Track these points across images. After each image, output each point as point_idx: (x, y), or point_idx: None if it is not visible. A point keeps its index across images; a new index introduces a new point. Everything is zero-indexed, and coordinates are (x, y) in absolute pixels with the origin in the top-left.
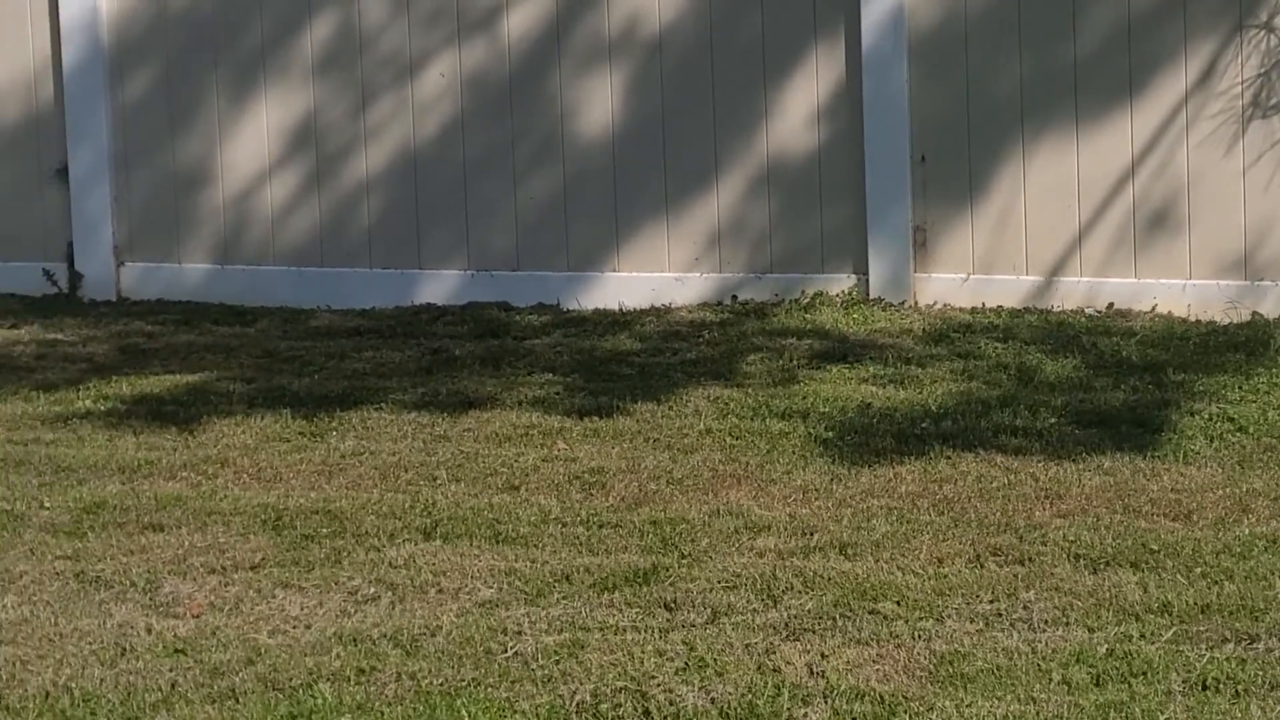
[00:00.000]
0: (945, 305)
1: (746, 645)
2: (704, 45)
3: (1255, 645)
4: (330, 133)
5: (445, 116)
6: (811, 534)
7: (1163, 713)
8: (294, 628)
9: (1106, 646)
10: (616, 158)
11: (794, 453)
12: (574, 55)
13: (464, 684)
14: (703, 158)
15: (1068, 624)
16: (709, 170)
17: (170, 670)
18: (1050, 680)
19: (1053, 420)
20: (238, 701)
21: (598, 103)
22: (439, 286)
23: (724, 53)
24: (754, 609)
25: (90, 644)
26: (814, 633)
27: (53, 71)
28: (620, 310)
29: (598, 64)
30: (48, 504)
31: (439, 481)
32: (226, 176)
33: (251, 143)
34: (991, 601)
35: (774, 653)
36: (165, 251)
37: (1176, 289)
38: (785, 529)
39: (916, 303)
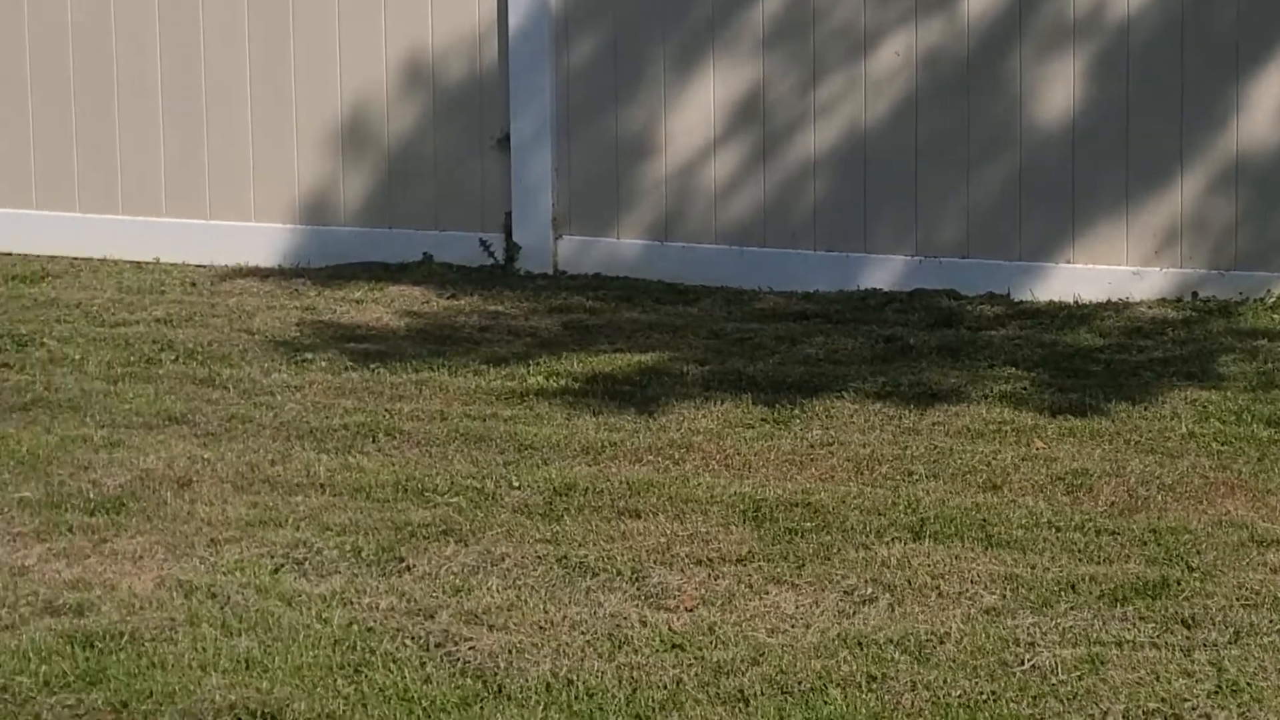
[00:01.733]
0: None
1: None
2: (1173, 32)
3: None
4: (777, 108)
5: (897, 96)
6: None
7: None
8: (792, 627)
9: None
10: (1075, 145)
11: None
12: (1035, 37)
13: (983, 698)
14: (1165, 149)
15: None
16: (1172, 162)
17: (672, 667)
18: None
19: None
20: (748, 704)
21: (1058, 87)
22: (883, 272)
23: (1194, 41)
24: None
25: (584, 634)
26: None
27: (497, 34)
28: (1075, 303)
29: (1060, 47)
30: (516, 483)
31: (916, 477)
32: (669, 149)
33: (696, 115)
34: None
35: None
36: (603, 225)
37: None
38: None
39: None
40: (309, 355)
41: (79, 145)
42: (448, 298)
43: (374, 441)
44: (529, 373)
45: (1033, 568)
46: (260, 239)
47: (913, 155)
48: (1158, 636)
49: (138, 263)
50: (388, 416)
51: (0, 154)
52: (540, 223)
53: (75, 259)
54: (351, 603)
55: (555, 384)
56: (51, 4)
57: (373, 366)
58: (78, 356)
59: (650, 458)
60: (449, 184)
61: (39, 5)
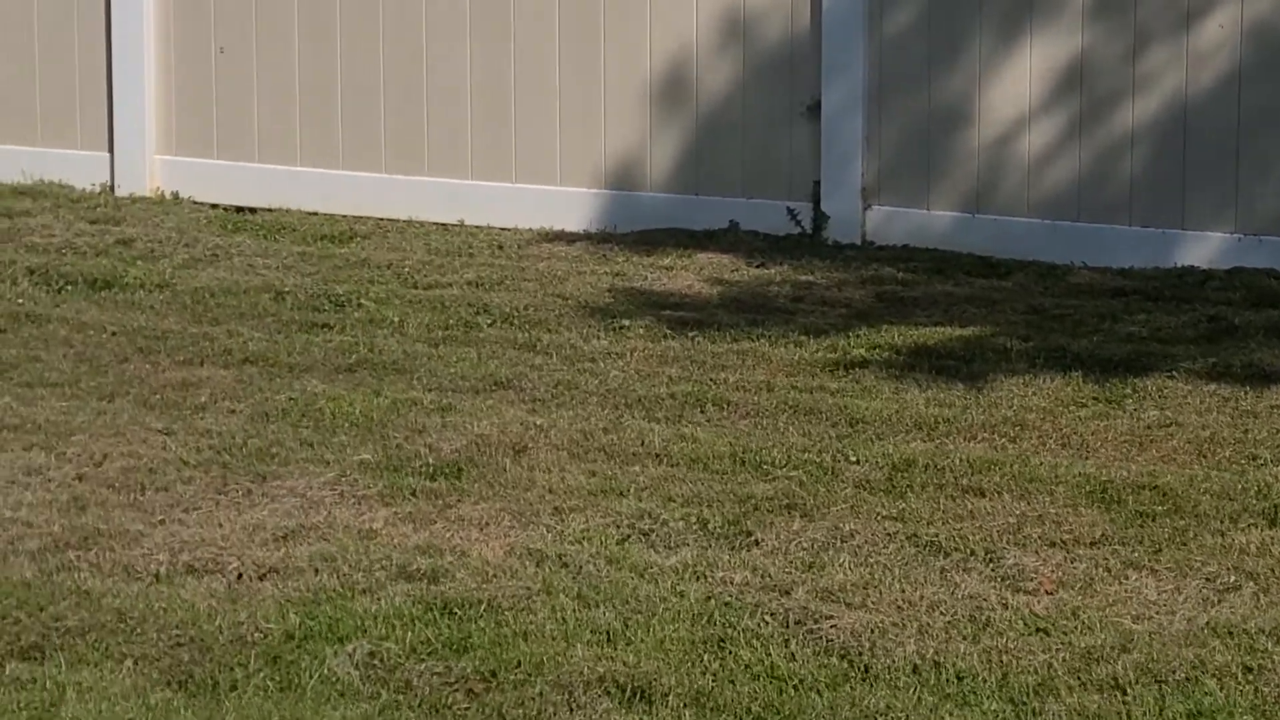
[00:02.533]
0: None
1: None
2: None
3: None
4: (1097, 79)
5: (1220, 69)
6: None
7: None
8: (1158, 614)
9: None
10: None
11: None
12: None
13: None
14: None
15: None
16: None
17: (1040, 651)
18: None
19: None
20: (1124, 693)
21: None
22: (1201, 249)
23: None
24: None
25: (944, 615)
26: None
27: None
28: None
29: None
30: (854, 458)
31: (1261, 461)
32: (983, 119)
33: (1012, 85)
34: None
35: None
36: (912, 195)
37: None
38: None
39: None
40: (625, 322)
41: (386, 107)
42: (756, 266)
43: (702, 411)
44: (849, 345)
45: None
46: (566, 203)
47: (1235, 130)
48: None
49: (443, 225)
50: (713, 386)
51: (307, 115)
52: (849, 192)
53: (381, 220)
54: (705, 576)
55: (877, 356)
56: None
57: (691, 335)
58: (396, 319)
59: (985, 435)
60: (757, 151)
61: None
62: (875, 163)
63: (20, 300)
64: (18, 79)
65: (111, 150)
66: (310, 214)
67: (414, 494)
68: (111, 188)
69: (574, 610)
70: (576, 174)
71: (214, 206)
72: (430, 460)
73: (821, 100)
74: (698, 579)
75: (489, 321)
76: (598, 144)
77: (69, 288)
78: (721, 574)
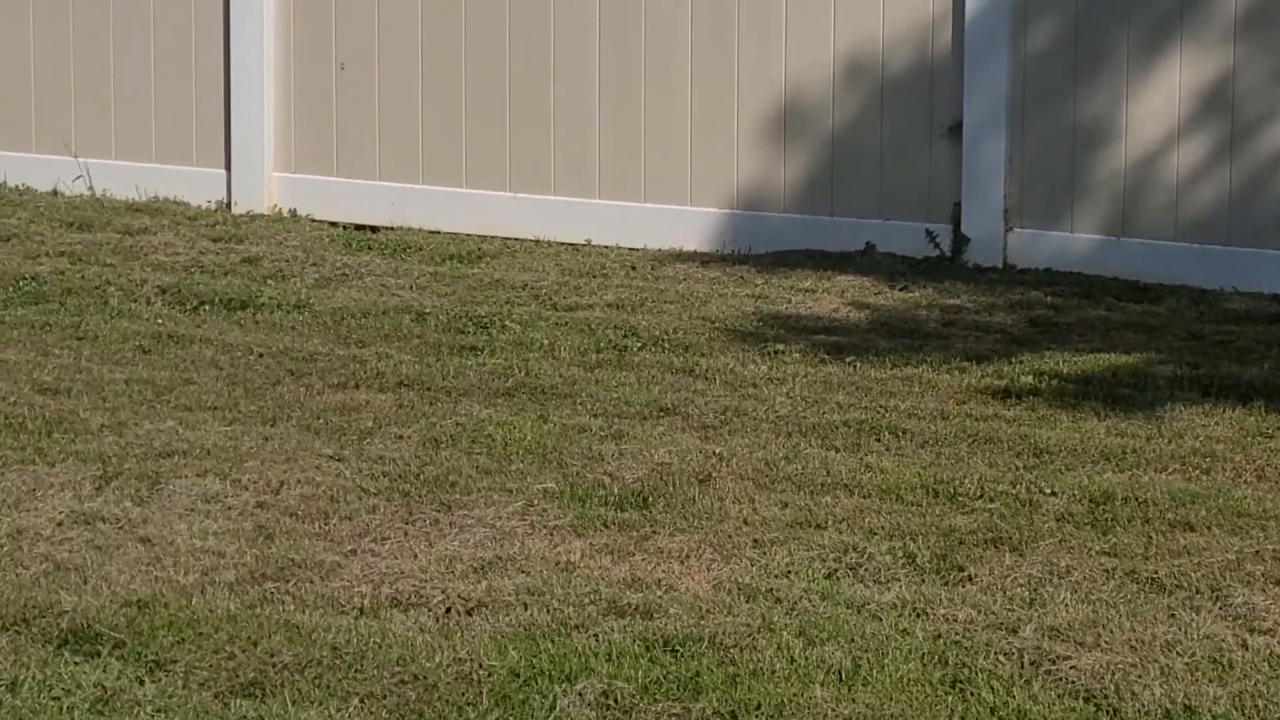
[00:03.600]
0: None
1: None
2: None
3: None
4: (1246, 98)
5: None
6: None
7: None
8: None
9: None
10: None
11: None
12: None
13: None
14: None
15: None
16: None
17: None
18: None
19: None
20: None
21: None
22: None
23: None
24: None
25: (1182, 656)
26: None
27: (952, 18)
28: None
29: None
30: (1048, 489)
31: None
32: (1128, 139)
33: (1158, 104)
34: None
35: None
36: (1055, 218)
37: None
38: None
39: None
40: (779, 347)
41: (512, 126)
42: (899, 289)
43: (878, 440)
44: (1014, 371)
45: None
46: (696, 223)
47: None
48: None
49: (570, 244)
50: (885, 414)
51: (430, 133)
52: (990, 214)
53: (507, 239)
54: (925, 613)
55: (1046, 384)
56: None
57: (848, 360)
58: (545, 341)
59: (1176, 467)
60: (894, 172)
61: None
62: (1017, 184)
63: (159, 320)
64: (134, 96)
65: (229, 167)
66: (432, 233)
67: (605, 525)
68: (228, 205)
69: (801, 649)
70: (707, 194)
71: (333, 224)
72: (615, 489)
73: (963, 120)
74: (919, 616)
75: (638, 345)
76: (729, 164)
77: (204, 308)
78: (943, 611)
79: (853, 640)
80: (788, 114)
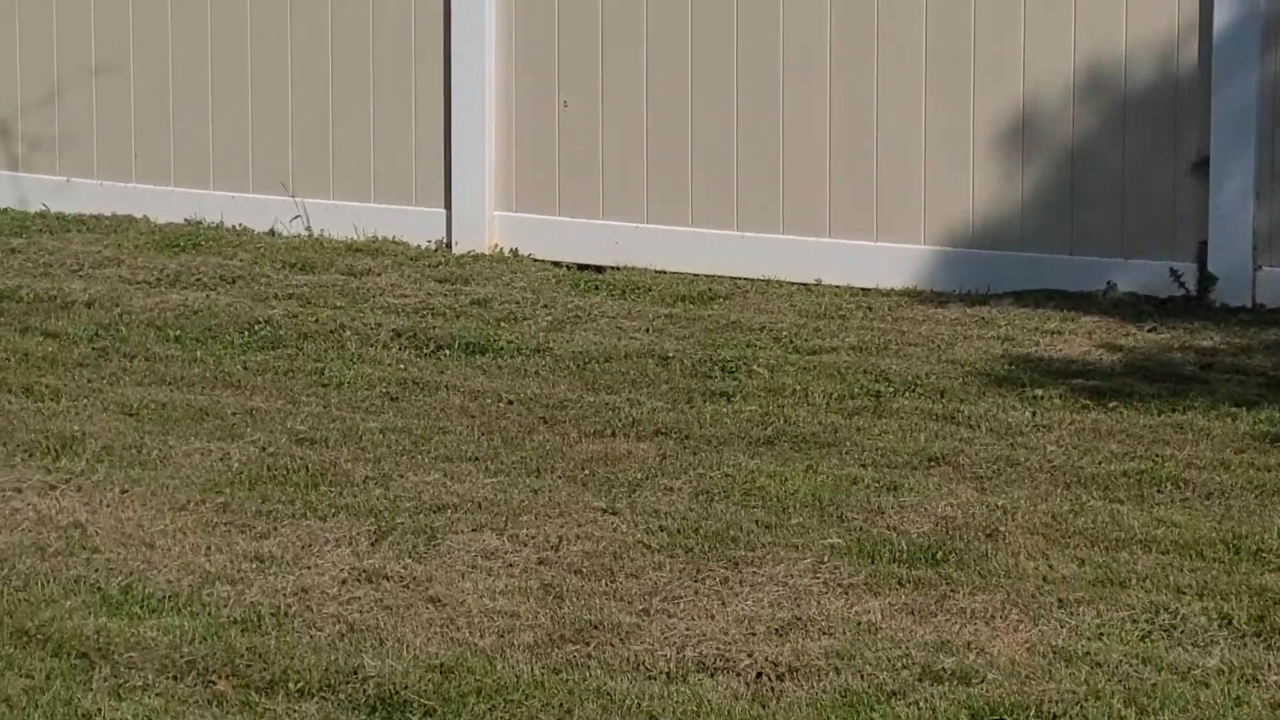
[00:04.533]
0: None
1: None
2: None
3: None
4: None
5: None
6: None
7: None
8: None
9: None
10: None
11: None
12: None
13: None
14: None
15: None
16: None
17: None
18: None
19: None
20: None
21: None
22: None
23: None
24: None
25: None
26: None
27: (1197, 43)
28: None
29: None
30: None
31: None
32: None
33: None
34: None
35: None
36: None
37: None
38: None
39: None
40: (1037, 392)
41: (740, 163)
42: (1148, 330)
43: (1161, 491)
44: None
45: None
46: (930, 262)
47: None
48: None
49: (801, 284)
50: (1163, 463)
51: (655, 171)
52: (1238, 251)
53: (736, 279)
54: (1256, 679)
55: None
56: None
57: (1111, 405)
58: (796, 387)
59: None
60: (1136, 207)
61: (662, 24)
62: (1266, 219)
63: (401, 366)
64: (353, 135)
65: (449, 206)
66: (659, 273)
67: (900, 583)
68: (448, 244)
69: (1135, 718)
70: (941, 233)
71: (555, 264)
72: (903, 545)
73: (1210, 154)
74: (1249, 682)
75: (892, 390)
76: (964, 201)
77: (443, 352)
78: (1274, 678)
79: (1186, 709)
80: (1024, 148)
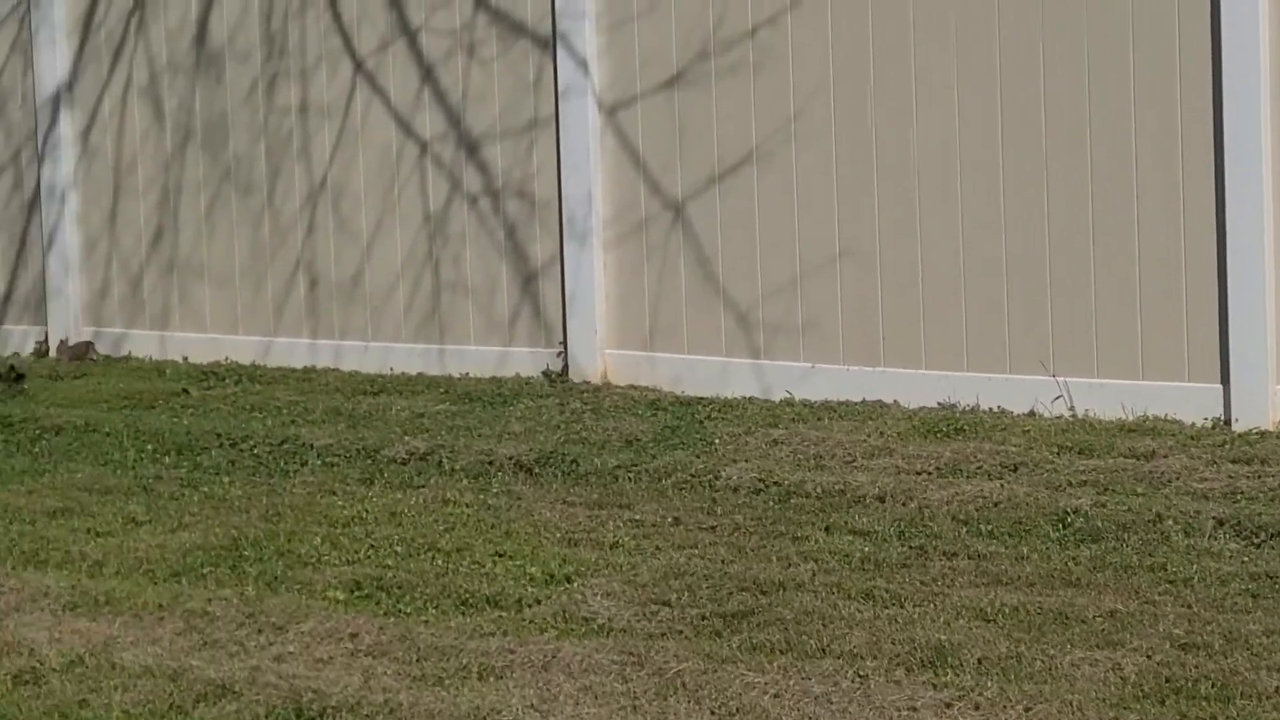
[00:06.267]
0: None
1: None
2: None
3: None
4: None
5: None
6: None
7: None
8: None
9: None
10: None
11: None
12: None
13: None
14: None
15: None
16: None
17: None
18: None
19: None
20: None
21: None
22: None
23: None
24: None
25: None
26: None
27: None
28: None
29: None
30: None
31: None
32: None
33: None
34: None
35: None
36: None
37: None
38: None
39: None
40: None
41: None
42: None
43: None
44: None
45: None
46: None
47: None
48: None
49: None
50: None
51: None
52: None
53: None
54: None
55: None
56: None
57: None
58: None
59: None
60: None
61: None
62: None
63: (1245, 559)
64: (1119, 309)
65: (1225, 381)
66: None
67: None
68: (1226, 421)
69: None
70: None
71: None
72: None
73: None
74: None
75: None
76: None
77: (1276, 540)
78: None
79: None
80: None
